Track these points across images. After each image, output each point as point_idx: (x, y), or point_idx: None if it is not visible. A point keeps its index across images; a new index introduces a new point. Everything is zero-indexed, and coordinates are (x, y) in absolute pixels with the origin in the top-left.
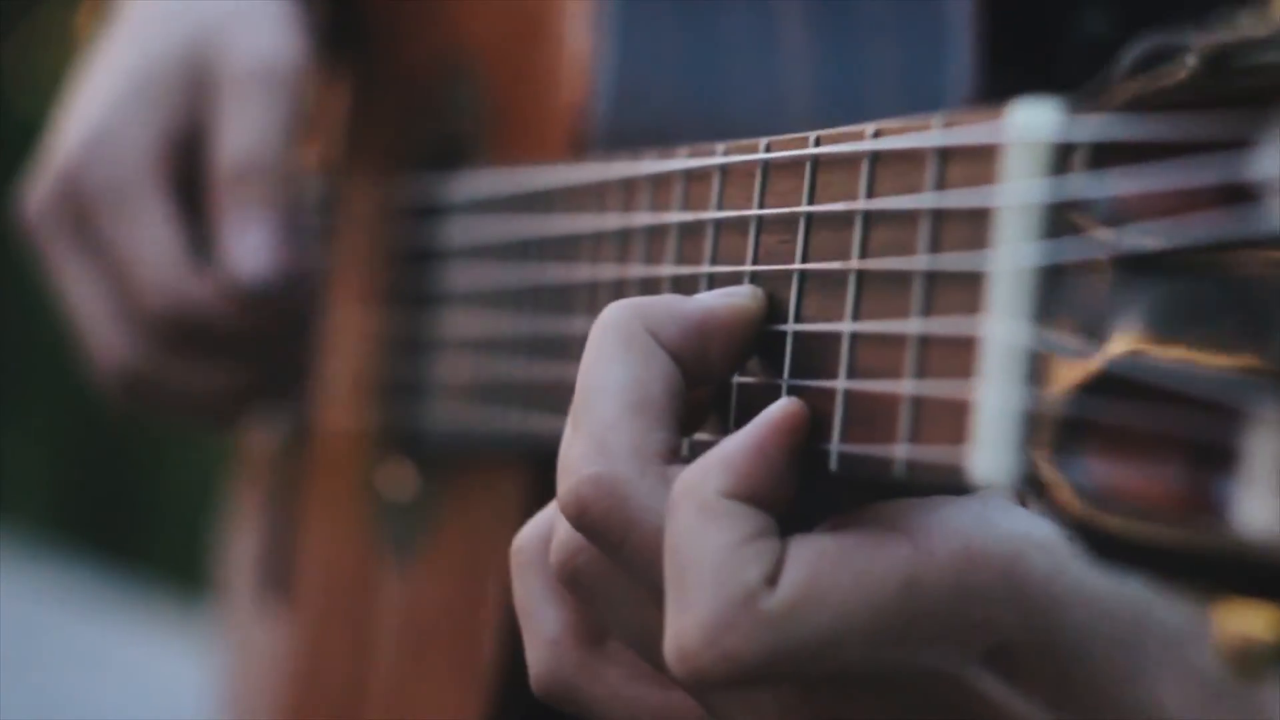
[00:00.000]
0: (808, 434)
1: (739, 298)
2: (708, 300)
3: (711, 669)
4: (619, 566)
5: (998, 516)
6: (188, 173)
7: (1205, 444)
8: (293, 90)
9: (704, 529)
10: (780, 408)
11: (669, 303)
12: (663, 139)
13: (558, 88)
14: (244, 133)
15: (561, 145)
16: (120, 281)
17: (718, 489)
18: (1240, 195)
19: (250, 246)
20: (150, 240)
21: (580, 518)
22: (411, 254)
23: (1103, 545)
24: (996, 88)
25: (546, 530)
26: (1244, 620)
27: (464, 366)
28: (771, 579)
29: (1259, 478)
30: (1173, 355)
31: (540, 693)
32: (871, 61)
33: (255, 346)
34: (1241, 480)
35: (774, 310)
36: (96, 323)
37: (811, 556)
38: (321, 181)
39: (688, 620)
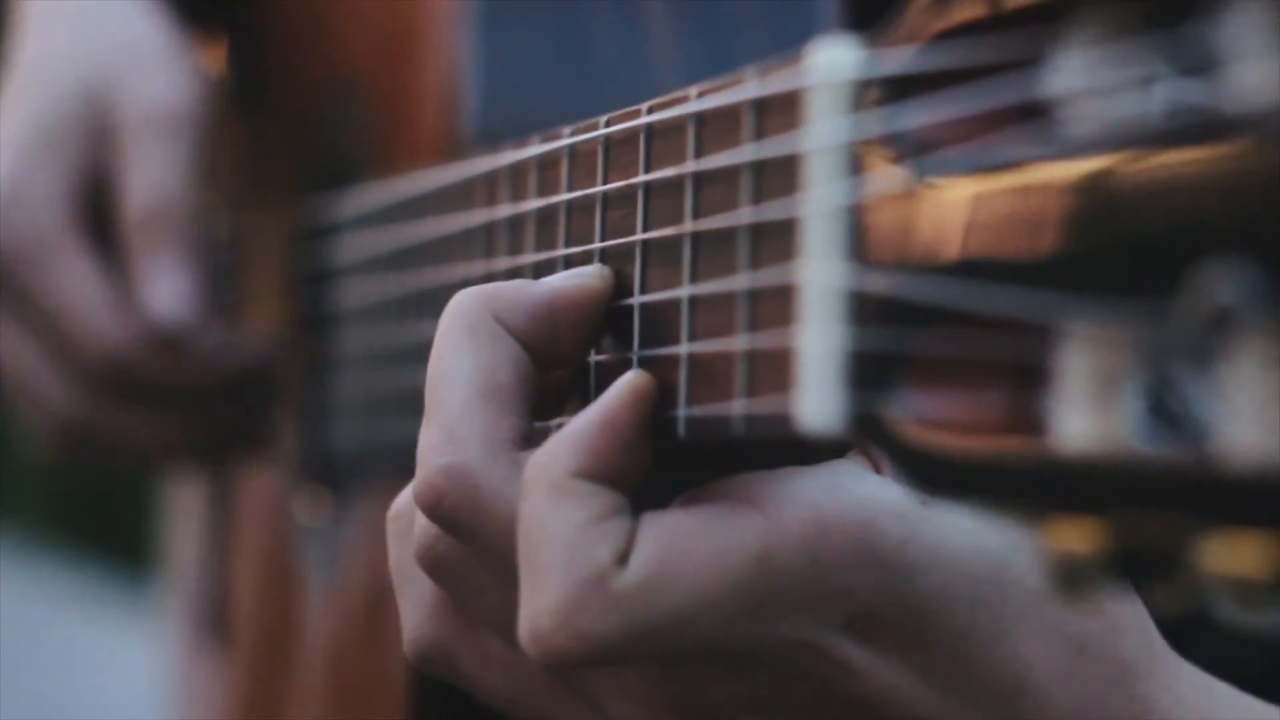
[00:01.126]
0: (655, 405)
1: (585, 277)
2: (554, 282)
3: (565, 649)
4: (475, 554)
5: (849, 484)
6: (96, 219)
7: (1022, 364)
8: (193, 131)
9: (554, 510)
10: (625, 381)
11: (515, 287)
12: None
13: (430, 98)
14: (149, 177)
15: (436, 153)
16: (54, 337)
17: (567, 469)
18: (1035, 112)
19: (165, 289)
20: (78, 293)
21: (434, 508)
22: (310, 278)
23: (930, 475)
24: None
25: None
26: (1066, 536)
27: (365, 381)
28: (622, 557)
29: (1072, 392)
30: (983, 273)
31: (416, 660)
32: (740, 51)
33: (196, 394)
34: (1056, 396)
35: (622, 286)
36: (37, 380)
37: (662, 533)
38: (227, 218)
39: (540, 602)
